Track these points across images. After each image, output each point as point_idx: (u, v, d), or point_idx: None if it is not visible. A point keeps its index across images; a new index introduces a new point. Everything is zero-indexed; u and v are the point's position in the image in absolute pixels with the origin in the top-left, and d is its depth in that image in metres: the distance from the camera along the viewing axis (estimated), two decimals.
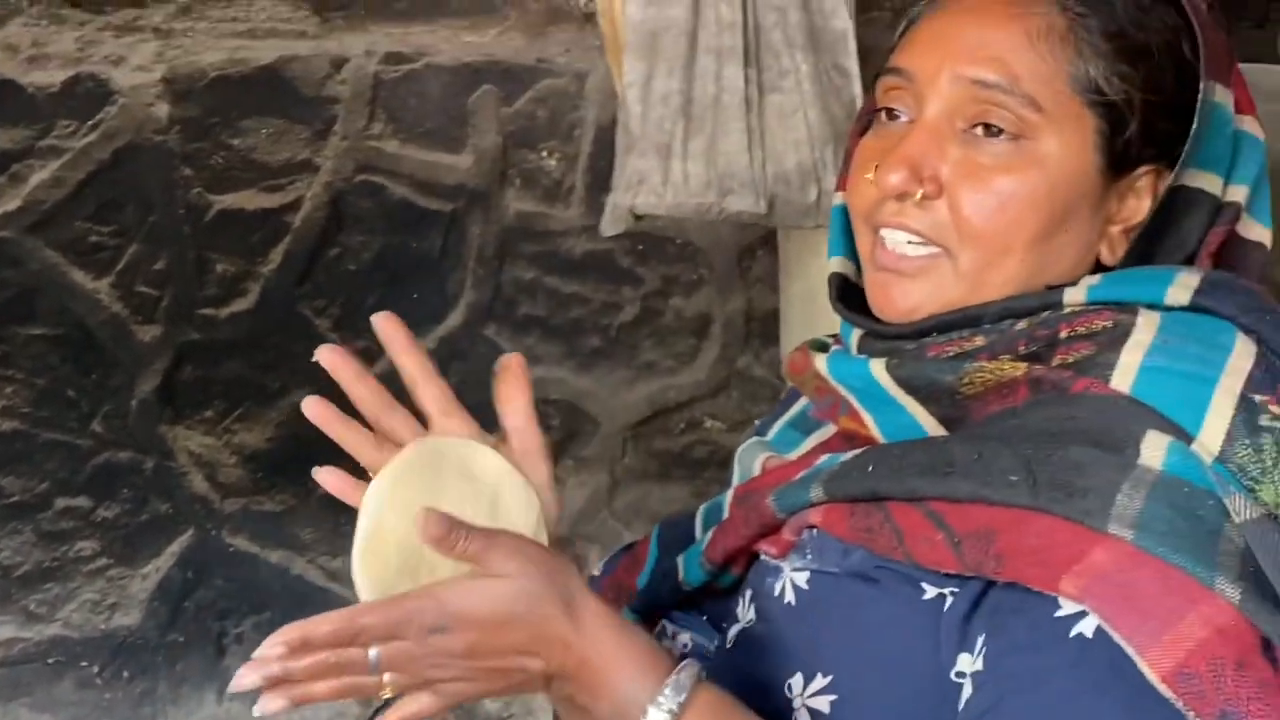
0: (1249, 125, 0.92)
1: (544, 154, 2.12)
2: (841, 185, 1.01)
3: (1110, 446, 0.77)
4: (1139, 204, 0.91)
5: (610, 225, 2.00)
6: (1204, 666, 0.69)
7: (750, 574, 1.01)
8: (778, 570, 0.93)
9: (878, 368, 0.89)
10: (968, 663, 0.78)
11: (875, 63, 2.05)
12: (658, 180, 1.92)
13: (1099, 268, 0.91)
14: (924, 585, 0.82)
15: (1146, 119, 0.89)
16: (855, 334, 0.96)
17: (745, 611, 0.96)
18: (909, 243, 0.89)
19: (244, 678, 0.71)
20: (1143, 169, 0.90)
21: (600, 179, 2.08)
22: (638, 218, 1.99)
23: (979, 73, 0.88)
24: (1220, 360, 0.81)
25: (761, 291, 2.13)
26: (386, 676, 0.75)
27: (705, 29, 1.88)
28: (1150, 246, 0.90)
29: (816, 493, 0.87)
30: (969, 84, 0.88)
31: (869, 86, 1.68)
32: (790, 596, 0.91)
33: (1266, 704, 0.68)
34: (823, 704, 0.85)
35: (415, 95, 2.08)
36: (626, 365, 2.18)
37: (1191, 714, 0.68)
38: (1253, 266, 0.92)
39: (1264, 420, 0.78)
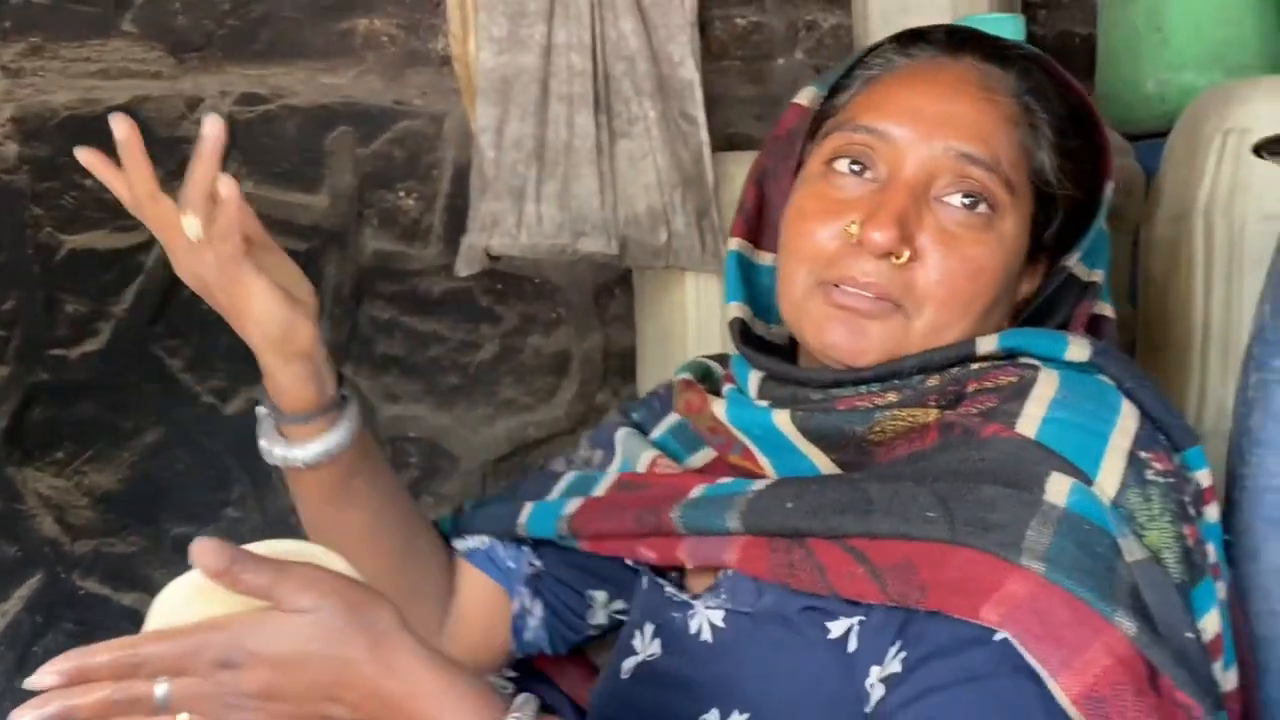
0: (1103, 224, 1.04)
1: (401, 194, 2.15)
2: (739, 232, 1.05)
3: (1019, 485, 0.83)
4: (1031, 284, 1.00)
5: (465, 265, 2.03)
6: (1109, 691, 0.74)
7: (646, 606, 1.03)
8: (687, 606, 0.97)
9: (781, 418, 0.93)
10: (877, 673, 0.82)
11: (721, 110, 2.13)
12: (512, 222, 1.96)
13: None
14: (828, 625, 0.87)
15: (1068, 212, 0.99)
16: (754, 376, 0.99)
17: (645, 644, 1.00)
18: (869, 298, 0.93)
19: (21, 719, 0.65)
20: (1043, 253, 0.99)
21: (458, 219, 2.11)
22: (493, 258, 2.03)
23: (970, 148, 0.93)
24: (1112, 418, 0.88)
25: (619, 329, 2.18)
26: (181, 718, 0.68)
27: (556, 76, 1.92)
28: (1032, 317, 1.00)
29: (734, 523, 0.90)
30: (958, 157, 0.93)
31: (715, 134, 1.74)
32: (707, 635, 0.95)
33: None
34: None
35: (271, 136, 2.09)
36: (486, 403, 2.20)
37: None
38: (1111, 339, 1.04)
39: (1149, 474, 0.86)
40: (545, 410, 2.23)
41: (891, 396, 0.92)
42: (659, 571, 1.03)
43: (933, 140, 0.93)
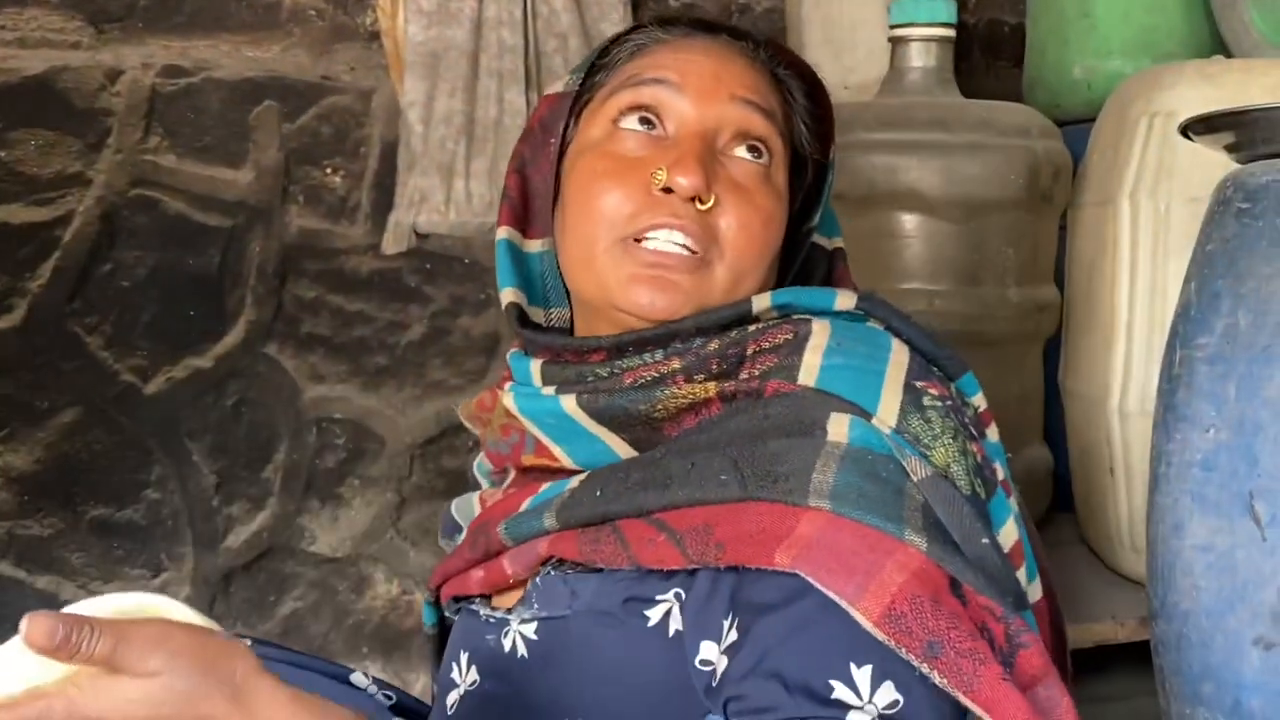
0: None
1: (328, 171, 2.11)
2: (506, 220, 1.05)
3: (801, 432, 0.85)
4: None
5: (393, 243, 2.00)
6: (907, 606, 0.76)
7: (460, 634, 1.02)
8: (501, 624, 0.96)
9: (569, 403, 0.94)
10: (711, 649, 0.83)
11: None
12: (440, 199, 1.94)
13: None
14: (647, 613, 0.88)
15: (814, 176, 1.05)
16: (535, 365, 1.00)
17: (464, 674, 0.98)
18: (680, 246, 0.93)
19: None
20: (798, 216, 1.05)
21: (386, 197, 2.08)
22: (421, 236, 2.00)
23: (754, 96, 0.97)
24: (884, 356, 0.93)
25: None
26: None
27: (487, 52, 1.91)
28: (789, 284, 1.06)
29: (550, 521, 0.91)
30: (744, 104, 0.97)
31: None
32: (521, 649, 0.94)
33: (961, 631, 0.76)
34: None
35: (194, 109, 2.04)
36: (414, 384, 2.17)
37: (903, 650, 0.75)
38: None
39: (926, 400, 0.90)
40: (474, 392, 2.20)
41: (675, 363, 0.93)
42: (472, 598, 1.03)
43: (719, 92, 0.97)
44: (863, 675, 0.76)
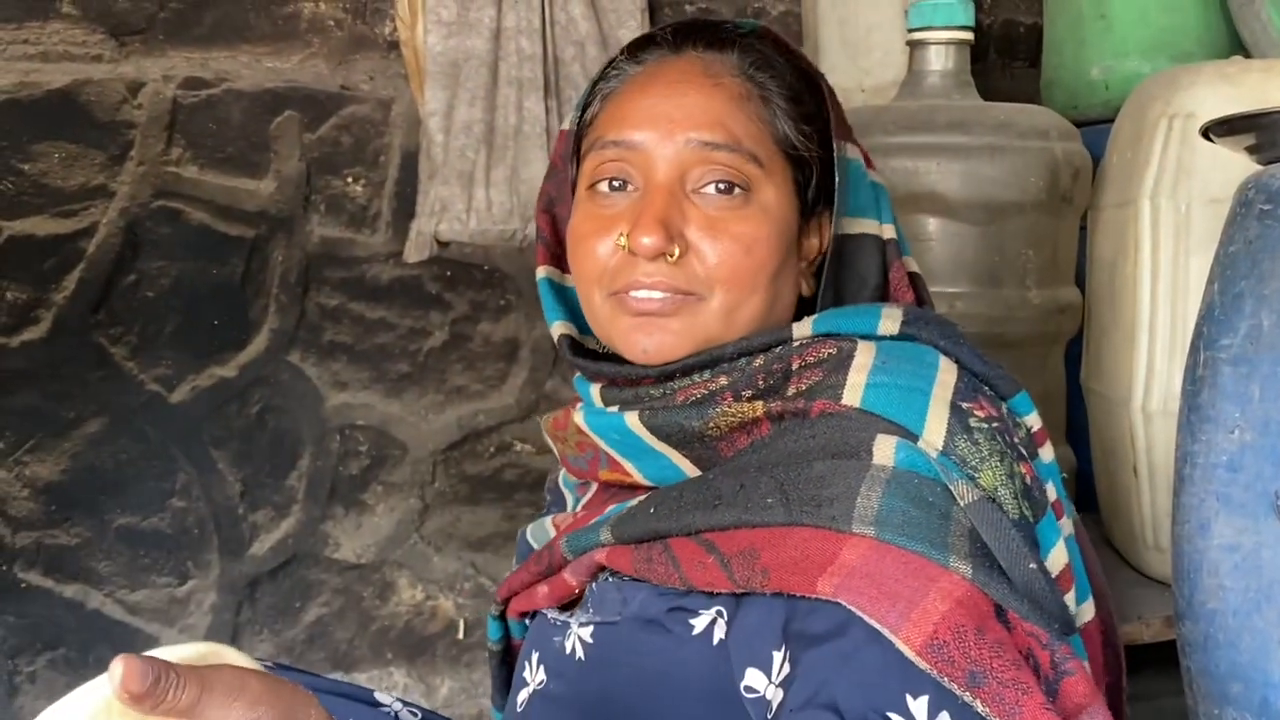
0: (877, 177, 1.07)
1: (349, 180, 2.12)
2: (543, 259, 1.09)
3: (847, 454, 0.86)
4: (816, 243, 1.05)
5: (414, 252, 2.02)
6: (949, 635, 0.76)
7: (532, 635, 1.06)
8: (565, 627, 0.99)
9: (632, 419, 0.96)
10: (758, 678, 0.83)
11: None
12: (461, 207, 1.95)
13: (800, 300, 1.03)
14: (692, 622, 0.89)
15: (820, 170, 1.02)
16: (595, 389, 1.03)
17: (534, 674, 1.02)
18: (661, 295, 0.96)
19: None
20: (817, 212, 1.03)
21: (407, 205, 2.10)
22: (442, 244, 2.01)
23: (708, 135, 0.97)
24: (930, 375, 0.92)
25: None
26: None
27: (506, 60, 1.92)
28: (838, 283, 1.04)
29: (605, 535, 0.94)
30: (699, 146, 0.97)
31: None
32: (580, 653, 0.97)
33: (1005, 660, 0.76)
34: None
35: (215, 120, 2.06)
36: (435, 390, 2.19)
37: (945, 679, 0.75)
38: (924, 294, 1.08)
39: (973, 422, 0.90)
40: (495, 398, 2.22)
41: (723, 380, 0.96)
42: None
43: (674, 138, 0.97)
44: (919, 706, 0.75)
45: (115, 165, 2.02)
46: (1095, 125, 1.80)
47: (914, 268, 1.09)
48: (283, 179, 2.08)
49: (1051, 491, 0.96)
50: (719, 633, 0.88)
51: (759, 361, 0.96)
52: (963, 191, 1.56)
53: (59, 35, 2.00)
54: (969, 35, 1.64)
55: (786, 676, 0.81)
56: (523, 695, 1.02)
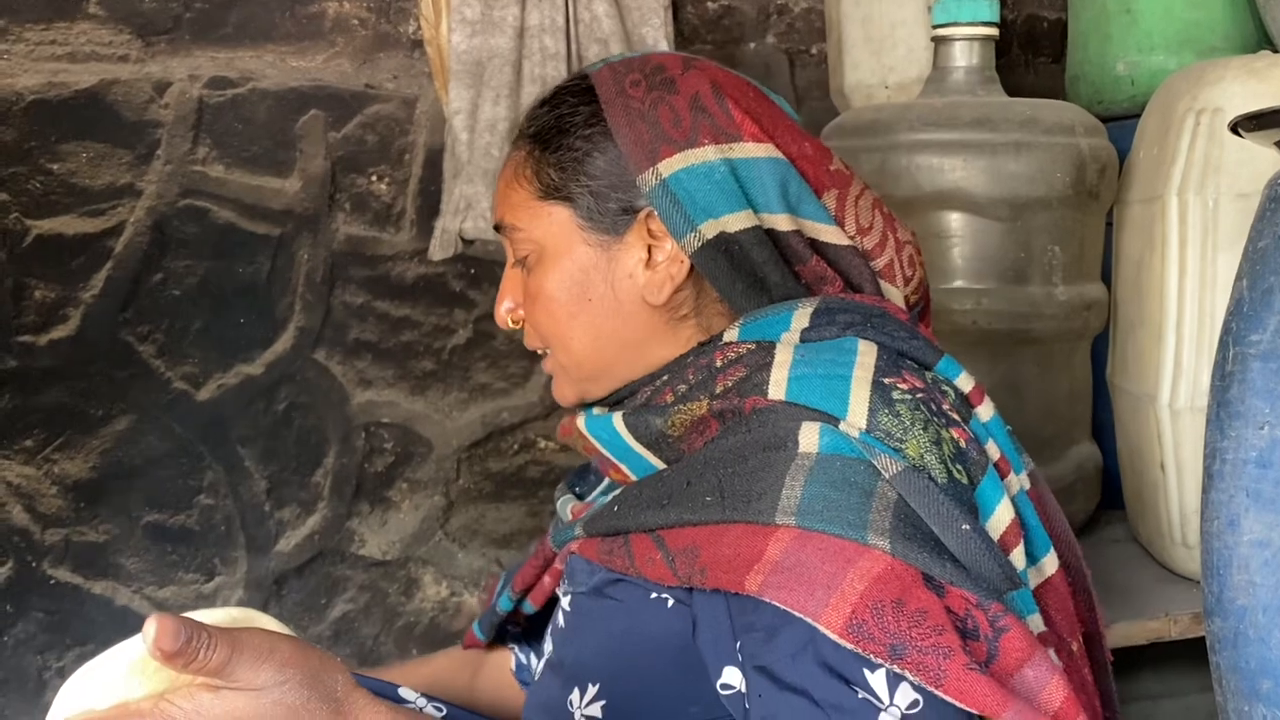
0: (743, 151, 1.01)
1: (373, 178, 2.13)
2: None
3: (775, 446, 0.89)
4: (681, 262, 1.01)
5: (439, 249, 2.02)
6: (868, 613, 0.79)
7: (551, 612, 1.14)
8: (558, 601, 1.07)
9: (618, 420, 1.01)
10: (733, 674, 0.87)
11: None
12: (485, 205, 1.96)
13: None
14: (650, 592, 0.94)
15: (595, 193, 1.01)
16: None
17: (546, 645, 1.09)
18: (541, 354, 1.08)
19: None
20: (636, 218, 1.01)
21: (431, 203, 2.10)
22: (467, 242, 2.02)
23: (498, 218, 1.08)
24: (850, 360, 0.94)
25: None
26: None
27: (530, 59, 1.92)
28: (750, 288, 1.02)
29: (579, 530, 1.01)
30: (498, 230, 1.08)
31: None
32: (562, 621, 1.04)
33: (925, 628, 0.79)
34: (596, 711, 0.94)
35: (241, 120, 2.07)
36: (460, 388, 2.19)
37: (871, 656, 0.78)
38: (854, 266, 1.05)
39: (895, 395, 0.91)
40: (519, 395, 2.22)
41: (663, 378, 1.02)
42: None
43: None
44: (878, 679, 0.78)
45: (142, 164, 2.03)
46: (1120, 121, 1.80)
47: (827, 236, 1.04)
48: (308, 177, 2.09)
49: (994, 450, 0.98)
50: (670, 599, 0.93)
51: (688, 361, 1.01)
52: (988, 188, 1.56)
53: (86, 35, 2.01)
54: (994, 31, 1.64)
55: (746, 666, 0.84)
56: (540, 665, 1.09)
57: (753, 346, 0.97)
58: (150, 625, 0.59)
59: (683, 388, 0.98)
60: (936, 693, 0.77)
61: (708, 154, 1.00)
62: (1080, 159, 1.58)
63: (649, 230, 1.01)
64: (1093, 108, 1.83)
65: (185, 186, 2.04)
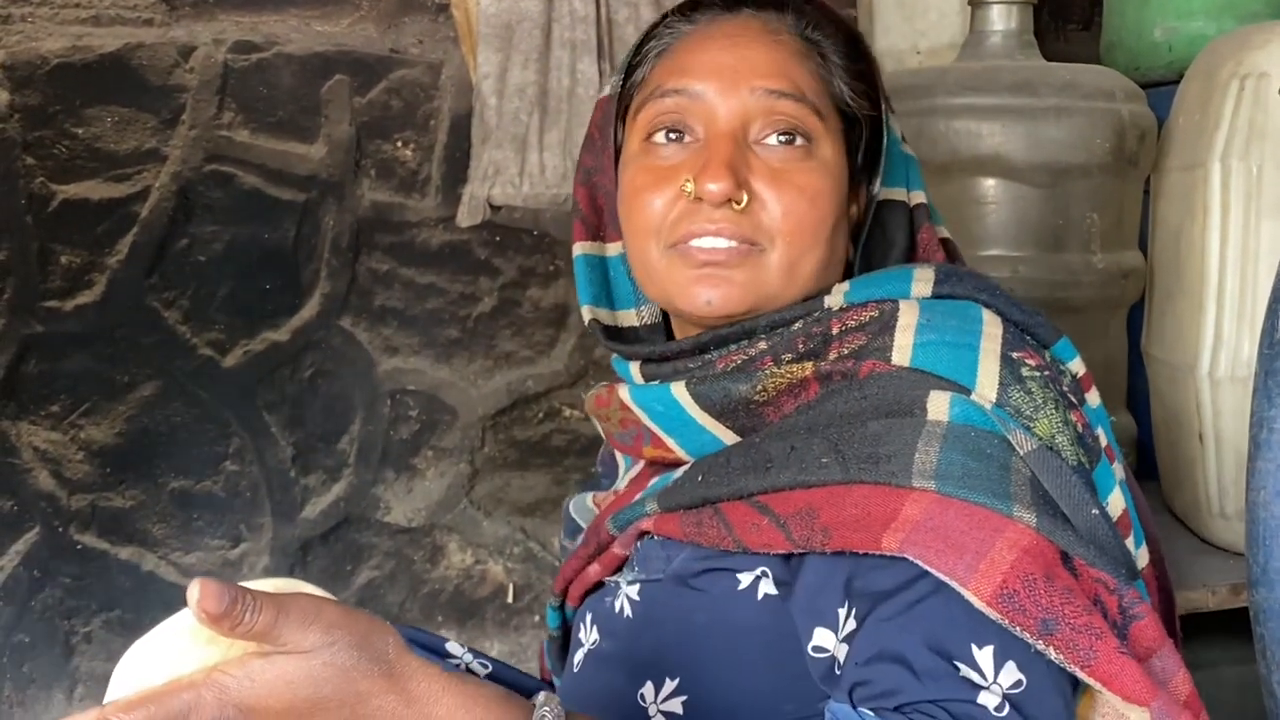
0: (908, 149, 1.07)
1: (399, 144, 2.12)
2: (580, 235, 1.07)
3: (901, 412, 0.85)
4: (858, 207, 1.04)
5: (467, 216, 2.01)
6: (1019, 584, 0.76)
7: (589, 600, 1.06)
8: (615, 588, 1.00)
9: (679, 389, 0.95)
10: (826, 637, 0.83)
11: None
12: (514, 171, 1.94)
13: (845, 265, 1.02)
14: (739, 576, 0.89)
15: (870, 133, 1.02)
16: (634, 367, 1.02)
17: (588, 634, 1.02)
18: (726, 243, 0.95)
19: None
20: (861, 175, 1.03)
21: (456, 170, 2.09)
22: (494, 208, 2.01)
23: (775, 84, 0.97)
24: (976, 330, 0.91)
25: None
26: None
27: (559, 22, 1.90)
28: (868, 249, 1.04)
29: (651, 506, 0.93)
30: (766, 94, 0.96)
31: None
32: (628, 611, 0.97)
33: (1076, 606, 0.76)
34: (676, 706, 0.89)
35: (266, 84, 2.05)
36: (485, 355, 2.19)
37: (1018, 629, 0.75)
38: (957, 257, 1.08)
39: (1025, 371, 0.89)
40: (544, 363, 2.21)
41: (762, 344, 0.95)
42: None
43: (739, 87, 0.97)
44: (985, 656, 0.75)
45: (167, 129, 2.02)
46: (1158, 87, 1.77)
47: (945, 234, 1.08)
48: (333, 143, 2.08)
49: (1102, 437, 0.96)
50: (765, 588, 0.88)
51: (797, 326, 0.95)
52: (1026, 154, 1.54)
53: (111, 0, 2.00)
54: None
55: (851, 632, 0.81)
56: (578, 656, 1.03)
57: (875, 313, 0.92)
58: (194, 587, 0.58)
59: (788, 356, 0.93)
60: (1079, 673, 0.74)
61: (895, 124, 1.06)
62: (1120, 125, 1.56)
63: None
64: (1129, 74, 1.80)
65: (210, 152, 2.03)
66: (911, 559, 0.77)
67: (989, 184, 1.56)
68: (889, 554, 0.78)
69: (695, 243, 0.95)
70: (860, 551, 0.80)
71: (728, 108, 0.96)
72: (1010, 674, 0.75)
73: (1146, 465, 1.75)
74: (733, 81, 0.96)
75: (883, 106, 1.03)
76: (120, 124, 2.00)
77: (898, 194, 1.05)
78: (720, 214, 0.94)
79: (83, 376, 2.02)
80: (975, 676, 0.75)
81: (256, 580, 0.66)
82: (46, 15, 1.97)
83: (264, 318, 2.09)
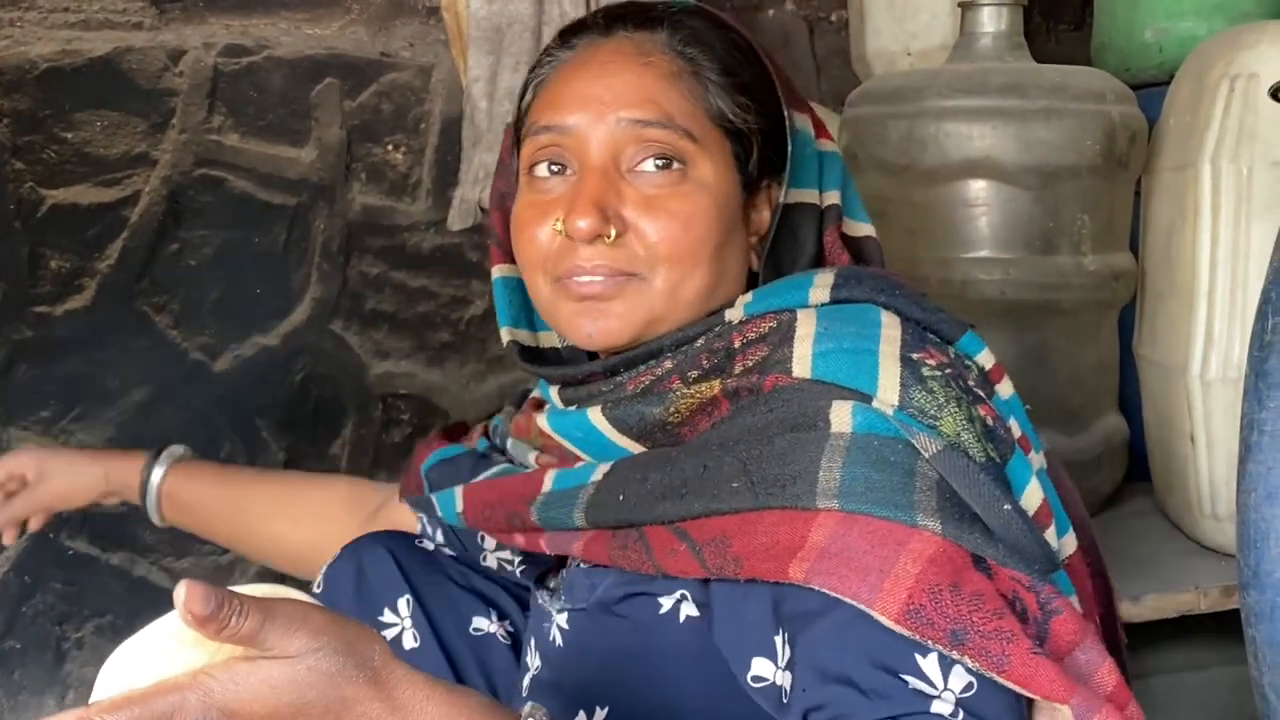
0: (826, 145, 1.07)
1: (389, 148, 2.12)
2: (498, 259, 1.09)
3: (805, 426, 0.85)
4: (762, 216, 1.04)
5: (458, 220, 2.01)
6: (925, 598, 0.76)
7: (531, 623, 1.08)
8: (549, 615, 1.01)
9: (595, 415, 0.96)
10: (765, 666, 0.83)
11: None
12: None
13: (752, 275, 1.02)
14: (660, 600, 0.91)
15: (762, 142, 1.02)
16: (553, 389, 1.03)
17: (533, 659, 1.04)
18: (602, 278, 0.96)
19: None
20: (763, 185, 1.02)
21: (447, 173, 2.08)
22: (485, 212, 2.00)
23: (640, 113, 0.97)
24: (875, 333, 0.91)
25: None
26: None
27: (550, 25, 1.90)
28: (777, 254, 1.03)
29: (580, 519, 0.94)
30: (631, 124, 0.96)
31: None
32: (559, 639, 0.99)
33: (985, 611, 0.76)
34: None
35: (256, 88, 2.05)
36: (477, 359, 2.18)
37: (929, 643, 0.75)
38: (873, 256, 1.07)
39: (926, 371, 0.88)
40: None
41: (668, 364, 0.96)
42: (541, 583, 1.08)
43: (605, 118, 0.97)
44: (930, 664, 0.75)
45: (157, 133, 2.01)
46: (1148, 88, 1.77)
47: (863, 231, 1.07)
48: (324, 147, 2.07)
49: (1016, 428, 0.95)
50: (686, 610, 0.90)
51: (700, 343, 0.96)
52: (1017, 155, 1.54)
53: (100, 3, 1.99)
54: None
55: (789, 659, 0.81)
56: (525, 681, 1.04)
57: (774, 324, 0.93)
58: (181, 589, 0.59)
59: (694, 374, 0.94)
60: (996, 678, 0.74)
61: (806, 123, 1.05)
62: (1111, 127, 1.56)
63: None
64: (1120, 75, 1.80)
65: (200, 156, 2.03)
66: (818, 589, 0.78)
67: (979, 186, 1.56)
68: (793, 583, 0.79)
69: (575, 278, 0.96)
70: (771, 581, 0.80)
71: (597, 139, 0.96)
72: (959, 678, 0.75)
73: (1138, 467, 1.75)
74: (599, 113, 0.96)
75: (785, 113, 1.02)
76: (110, 128, 2.00)
77: (809, 196, 1.05)
78: (592, 250, 0.95)
79: (73, 381, 2.01)
80: (925, 687, 0.75)
81: (245, 585, 0.66)
82: (35, 19, 1.96)
83: (255, 322, 2.08)
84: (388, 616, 1.13)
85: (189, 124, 2.02)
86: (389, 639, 1.10)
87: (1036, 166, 1.54)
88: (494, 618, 1.15)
